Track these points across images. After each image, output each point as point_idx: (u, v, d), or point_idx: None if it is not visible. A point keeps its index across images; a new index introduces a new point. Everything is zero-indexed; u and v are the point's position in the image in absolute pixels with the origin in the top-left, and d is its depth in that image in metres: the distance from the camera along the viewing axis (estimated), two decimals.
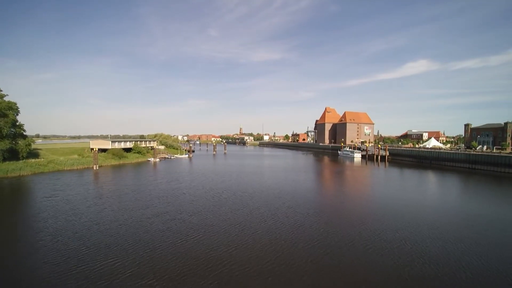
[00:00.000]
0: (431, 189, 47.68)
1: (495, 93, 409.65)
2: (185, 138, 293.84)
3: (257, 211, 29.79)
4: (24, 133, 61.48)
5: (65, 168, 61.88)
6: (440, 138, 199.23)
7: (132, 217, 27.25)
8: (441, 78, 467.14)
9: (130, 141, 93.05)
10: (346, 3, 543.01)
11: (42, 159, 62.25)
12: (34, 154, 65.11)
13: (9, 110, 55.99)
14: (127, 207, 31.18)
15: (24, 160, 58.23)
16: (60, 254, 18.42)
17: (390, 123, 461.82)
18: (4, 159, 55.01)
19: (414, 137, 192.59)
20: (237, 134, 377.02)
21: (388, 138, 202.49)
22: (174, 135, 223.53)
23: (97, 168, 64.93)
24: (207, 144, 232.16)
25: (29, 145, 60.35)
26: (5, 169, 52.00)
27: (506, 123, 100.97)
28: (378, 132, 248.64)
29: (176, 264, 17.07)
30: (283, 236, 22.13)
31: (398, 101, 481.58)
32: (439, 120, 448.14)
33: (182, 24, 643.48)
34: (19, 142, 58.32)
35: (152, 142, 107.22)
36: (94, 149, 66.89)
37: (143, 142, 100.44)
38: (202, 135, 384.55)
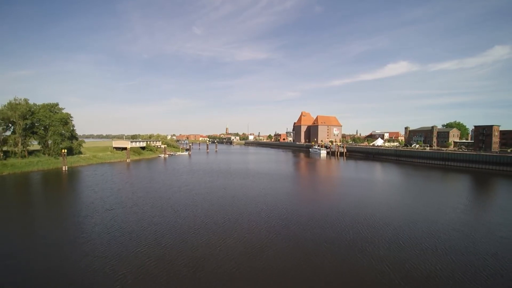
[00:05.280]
0: (369, 171, 75.68)
1: (470, 93, 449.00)
2: (174, 138, 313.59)
3: (244, 181, 56.07)
4: (76, 136, 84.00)
5: (106, 161, 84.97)
6: (399, 138, 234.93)
7: (170, 189, 52.60)
8: (420, 79, 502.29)
9: (142, 141, 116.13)
10: (330, 4, 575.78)
11: (88, 155, 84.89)
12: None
13: (68, 119, 78.64)
14: (166, 183, 56.38)
15: (77, 155, 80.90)
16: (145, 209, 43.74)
17: (370, 122, 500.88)
18: None
19: (377, 136, 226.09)
20: (223, 134, 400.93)
21: (358, 138, 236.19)
22: (170, 135, 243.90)
23: (129, 161, 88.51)
24: (199, 143, 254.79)
25: (80, 145, 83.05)
26: (70, 161, 74.69)
27: (433, 127, 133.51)
28: (357, 131, 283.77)
29: (202, 221, 42.74)
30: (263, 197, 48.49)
31: (379, 101, 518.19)
32: (415, 120, 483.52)
33: (166, 22, 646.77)
34: (74, 142, 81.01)
35: (157, 142, 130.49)
36: (128, 148, 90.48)
37: (152, 142, 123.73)
38: (190, 135, 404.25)
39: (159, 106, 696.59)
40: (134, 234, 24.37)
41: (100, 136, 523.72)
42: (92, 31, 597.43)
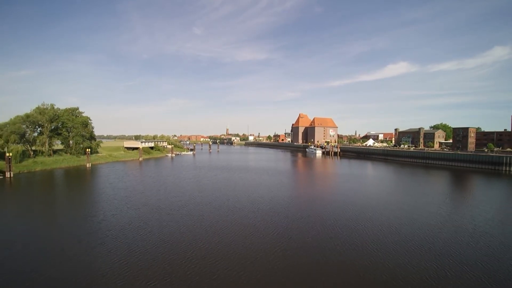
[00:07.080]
0: (357, 168, 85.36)
1: (470, 94, 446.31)
2: (176, 138, 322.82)
3: (244, 175, 65.66)
4: (94, 137, 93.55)
5: (120, 159, 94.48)
6: (393, 138, 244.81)
7: (178, 182, 62.17)
8: (419, 80, 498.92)
9: (151, 142, 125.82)
10: (330, 4, 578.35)
11: (104, 154, 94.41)
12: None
13: (88, 122, 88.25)
14: (180, 176, 65.95)
15: (95, 154, 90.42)
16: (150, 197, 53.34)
17: (369, 122, 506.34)
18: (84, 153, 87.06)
19: (372, 137, 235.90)
20: (224, 135, 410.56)
21: (354, 138, 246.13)
22: (172, 136, 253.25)
23: (141, 159, 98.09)
24: (201, 144, 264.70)
25: (98, 145, 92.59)
26: (91, 159, 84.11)
27: (419, 128, 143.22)
28: (355, 132, 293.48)
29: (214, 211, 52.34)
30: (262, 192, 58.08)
31: (378, 102, 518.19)
32: (415, 120, 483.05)
33: (166, 22, 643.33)
34: (93, 142, 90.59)
35: (163, 142, 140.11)
36: (140, 148, 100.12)
37: (158, 142, 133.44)
38: (191, 135, 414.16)
39: (159, 106, 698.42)
40: (163, 208, 34.00)
41: (101, 137, 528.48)
42: (92, 31, 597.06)
